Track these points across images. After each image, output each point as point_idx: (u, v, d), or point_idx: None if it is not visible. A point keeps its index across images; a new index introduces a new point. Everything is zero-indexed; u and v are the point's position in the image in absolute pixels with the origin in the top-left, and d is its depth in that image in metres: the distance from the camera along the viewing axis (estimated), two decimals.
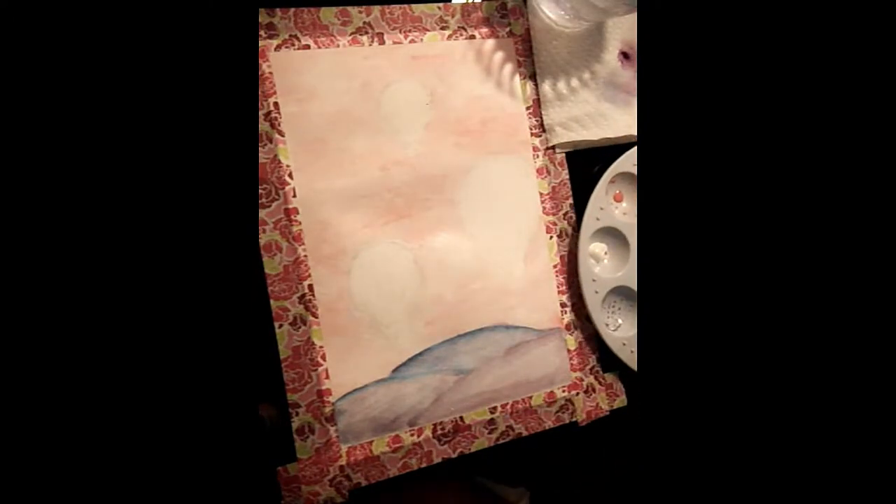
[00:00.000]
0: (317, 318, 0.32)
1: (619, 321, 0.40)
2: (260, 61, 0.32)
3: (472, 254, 0.36)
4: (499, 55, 0.38)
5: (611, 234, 0.40)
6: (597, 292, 0.38)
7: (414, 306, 0.35)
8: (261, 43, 0.33)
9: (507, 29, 0.38)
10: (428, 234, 0.35)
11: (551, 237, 0.38)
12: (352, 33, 0.35)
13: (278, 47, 0.33)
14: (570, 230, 0.39)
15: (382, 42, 0.35)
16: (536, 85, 0.39)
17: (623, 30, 0.42)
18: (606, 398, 0.39)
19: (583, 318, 0.39)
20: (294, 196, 0.33)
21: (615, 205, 0.40)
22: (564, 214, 0.39)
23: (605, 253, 0.40)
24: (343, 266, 0.33)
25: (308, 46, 0.34)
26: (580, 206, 0.39)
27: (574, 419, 0.38)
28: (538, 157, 0.38)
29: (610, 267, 0.40)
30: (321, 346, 0.32)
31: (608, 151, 0.40)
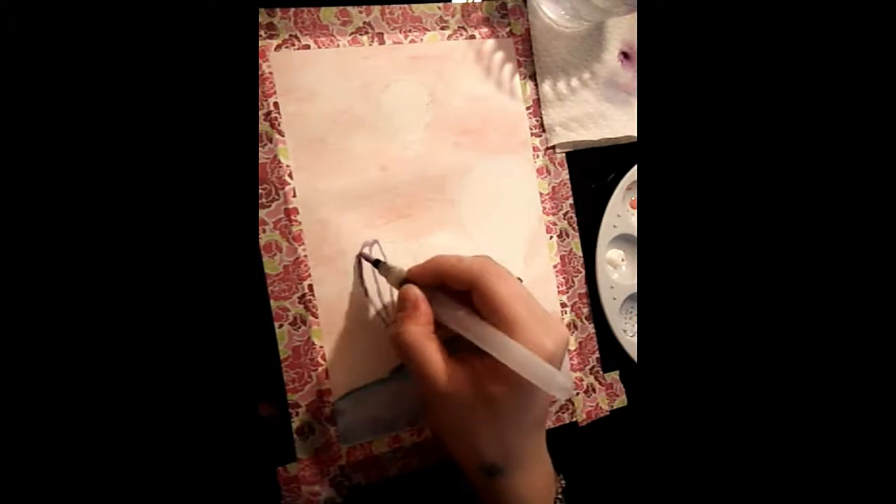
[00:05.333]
0: (317, 318, 0.32)
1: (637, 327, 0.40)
2: (260, 61, 0.32)
3: (472, 253, 0.36)
4: (499, 55, 0.38)
5: (628, 241, 0.40)
6: (615, 298, 0.39)
7: None
8: (261, 43, 0.33)
9: (507, 29, 0.38)
10: (428, 234, 0.35)
11: (551, 237, 0.38)
12: (352, 33, 0.35)
13: (278, 47, 0.33)
14: (570, 230, 0.39)
15: (382, 42, 0.35)
16: (536, 85, 0.39)
17: (623, 30, 0.42)
18: (606, 398, 0.39)
19: (583, 317, 0.39)
20: (294, 196, 0.33)
21: (632, 211, 0.41)
22: (564, 214, 0.39)
23: (623, 259, 0.41)
24: (343, 266, 0.33)
25: (308, 46, 0.34)
26: (585, 208, 0.39)
27: (574, 419, 0.38)
28: (538, 157, 0.38)
29: (627, 273, 0.41)
30: (321, 346, 0.32)
31: (612, 153, 0.41)
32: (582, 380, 0.38)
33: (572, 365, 0.38)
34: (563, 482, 0.31)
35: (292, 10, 0.33)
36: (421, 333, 0.28)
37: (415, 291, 0.29)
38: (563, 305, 0.38)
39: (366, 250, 0.34)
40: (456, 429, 0.28)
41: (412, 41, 0.36)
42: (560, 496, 0.30)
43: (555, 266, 0.38)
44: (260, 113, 0.32)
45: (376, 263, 0.32)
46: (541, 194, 0.38)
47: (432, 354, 0.27)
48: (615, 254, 0.40)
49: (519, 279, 0.31)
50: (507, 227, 0.37)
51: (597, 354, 0.39)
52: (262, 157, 0.32)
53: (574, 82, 0.40)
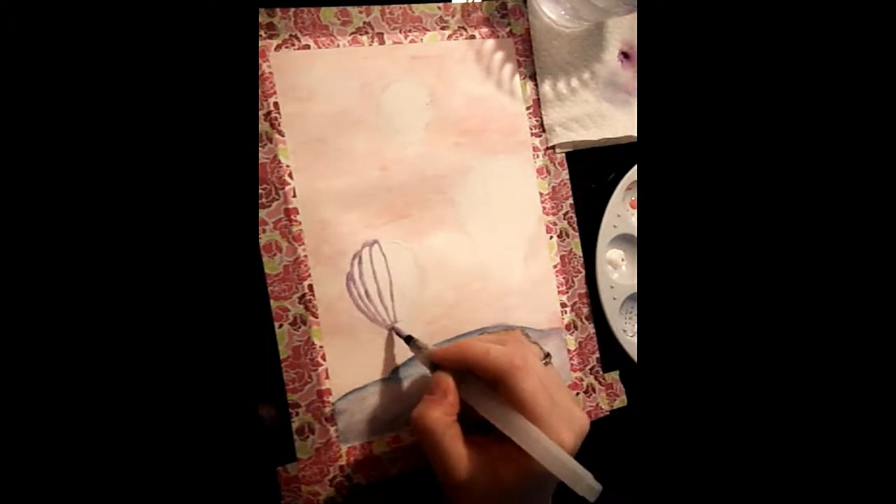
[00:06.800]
0: (317, 318, 0.32)
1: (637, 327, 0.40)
2: (260, 61, 0.32)
3: (472, 254, 0.36)
4: (499, 55, 0.38)
5: (628, 241, 0.40)
6: (615, 298, 0.39)
7: (414, 306, 0.35)
8: (261, 43, 0.33)
9: (507, 29, 0.38)
10: (428, 234, 0.35)
11: (551, 237, 0.38)
12: (352, 33, 0.35)
13: (278, 47, 0.33)
14: (570, 230, 0.39)
15: (382, 42, 0.35)
16: (536, 85, 0.39)
17: (623, 30, 0.42)
18: (606, 398, 0.39)
19: (583, 317, 0.39)
20: (294, 196, 0.33)
21: (632, 211, 0.41)
22: (564, 214, 0.39)
23: (623, 259, 0.41)
24: (343, 266, 0.33)
25: (308, 46, 0.34)
26: (585, 208, 0.39)
27: None
28: (538, 157, 0.38)
29: (627, 273, 0.41)
30: (321, 346, 0.32)
31: (612, 153, 0.41)
32: (582, 380, 0.38)
33: (572, 365, 0.38)
34: None
35: (292, 10, 0.33)
36: (443, 422, 0.28)
37: (447, 381, 0.29)
38: (563, 305, 0.38)
39: (365, 251, 0.34)
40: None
41: (412, 41, 0.36)
42: None
43: (555, 266, 0.38)
44: (260, 113, 0.32)
45: (408, 340, 0.32)
46: (541, 194, 0.38)
47: (451, 444, 0.27)
48: (615, 254, 0.40)
49: (547, 355, 0.31)
50: (507, 227, 0.37)
51: (597, 354, 0.39)
52: (262, 157, 0.32)
53: (574, 82, 0.40)
